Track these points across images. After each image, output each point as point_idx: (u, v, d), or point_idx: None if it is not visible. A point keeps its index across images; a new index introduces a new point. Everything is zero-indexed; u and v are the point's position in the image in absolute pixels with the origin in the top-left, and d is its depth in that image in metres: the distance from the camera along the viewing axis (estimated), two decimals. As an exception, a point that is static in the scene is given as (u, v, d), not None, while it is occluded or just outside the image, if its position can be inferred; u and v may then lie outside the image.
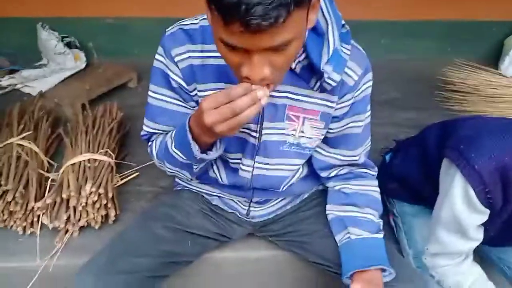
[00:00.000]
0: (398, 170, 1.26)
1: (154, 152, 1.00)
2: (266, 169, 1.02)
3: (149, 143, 1.04)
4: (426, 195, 1.14)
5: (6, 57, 2.28)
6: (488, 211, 0.94)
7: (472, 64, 2.17)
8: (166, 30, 0.92)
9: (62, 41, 2.18)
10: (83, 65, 2.22)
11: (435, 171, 1.06)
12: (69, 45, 2.21)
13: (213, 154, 0.88)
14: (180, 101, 0.97)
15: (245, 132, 0.96)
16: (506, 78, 2.15)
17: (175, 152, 0.90)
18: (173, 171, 0.99)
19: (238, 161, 1.02)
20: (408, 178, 1.22)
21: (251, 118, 0.74)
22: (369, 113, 1.03)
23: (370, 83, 0.98)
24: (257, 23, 0.61)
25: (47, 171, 1.47)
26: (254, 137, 0.96)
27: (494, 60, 2.48)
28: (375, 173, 1.13)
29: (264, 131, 0.96)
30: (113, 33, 2.38)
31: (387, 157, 1.35)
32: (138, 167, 1.56)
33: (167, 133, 0.97)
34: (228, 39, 0.67)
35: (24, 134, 1.47)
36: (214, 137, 0.83)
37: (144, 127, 1.03)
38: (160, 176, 1.50)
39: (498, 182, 0.89)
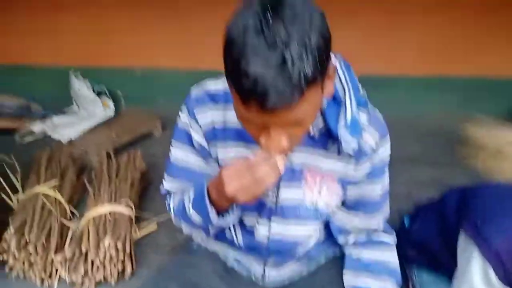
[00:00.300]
0: (417, 236, 1.23)
1: (172, 210, 1.01)
2: (283, 233, 1.02)
3: (168, 199, 1.05)
4: (444, 262, 1.11)
5: (40, 103, 2.40)
6: None
7: (493, 121, 2.15)
8: (191, 89, 0.95)
9: (93, 89, 2.29)
10: (112, 113, 2.31)
11: (454, 239, 1.04)
12: (99, 93, 2.32)
13: (229, 218, 0.89)
14: (201, 159, 0.99)
15: (264, 194, 0.97)
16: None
17: (192, 214, 0.91)
18: (189, 230, 0.99)
19: (255, 223, 1.02)
20: (427, 245, 1.19)
21: (271, 185, 0.76)
22: (387, 179, 1.03)
23: (388, 149, 0.98)
24: (272, 105, 0.64)
25: (70, 219, 1.50)
26: (271, 200, 0.97)
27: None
28: (395, 240, 1.11)
29: (281, 194, 0.96)
30: (141, 83, 2.48)
31: (406, 221, 1.32)
32: (157, 220, 1.58)
33: (185, 192, 0.99)
34: (246, 115, 0.70)
35: (50, 183, 1.52)
36: (231, 201, 0.84)
37: (164, 183, 1.05)
38: (178, 229, 1.51)
39: None
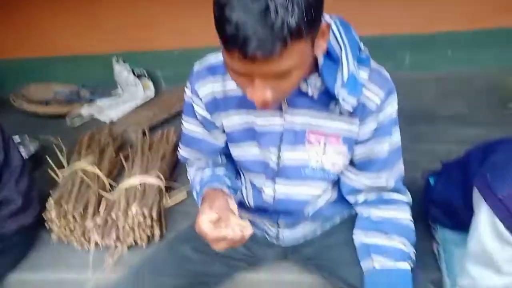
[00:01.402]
0: (440, 195, 1.18)
1: (190, 180, 1.09)
2: (288, 192, 1.03)
3: (188, 168, 1.11)
4: (467, 221, 1.04)
5: (90, 89, 2.58)
6: None
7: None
8: (194, 65, 0.98)
9: (133, 72, 2.41)
10: (152, 94, 2.43)
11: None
12: (139, 75, 2.44)
13: None
14: (206, 131, 1.03)
15: (267, 156, 0.98)
16: None
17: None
18: None
19: (262, 183, 1.04)
20: (450, 204, 1.13)
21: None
22: (396, 136, 0.99)
23: (395, 105, 0.94)
24: (253, 53, 0.65)
25: (109, 191, 1.62)
26: (274, 161, 0.98)
27: None
28: (408, 199, 1.07)
29: (283, 155, 0.97)
30: (179, 63, 2.56)
31: (431, 181, 1.26)
32: (187, 190, 1.64)
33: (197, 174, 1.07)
34: (231, 65, 0.72)
35: (88, 160, 1.64)
36: None
37: (180, 151, 1.12)
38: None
39: None
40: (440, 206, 1.17)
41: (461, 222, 1.10)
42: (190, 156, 1.10)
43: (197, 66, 0.97)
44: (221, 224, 0.84)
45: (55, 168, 1.70)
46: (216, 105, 0.96)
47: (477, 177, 0.89)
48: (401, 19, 2.31)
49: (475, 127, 1.90)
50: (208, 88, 0.95)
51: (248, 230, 0.84)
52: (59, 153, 1.81)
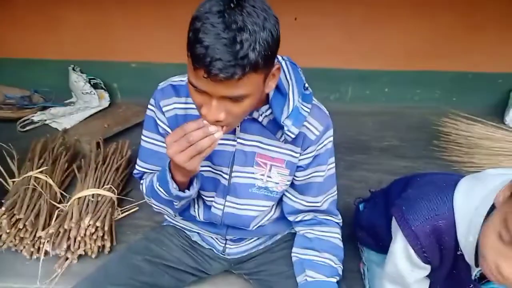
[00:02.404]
0: (366, 219, 1.35)
1: (144, 189, 1.15)
2: (236, 208, 1.15)
3: (141, 181, 1.19)
4: (389, 245, 1.22)
5: (42, 94, 2.57)
6: (428, 267, 1.01)
7: (470, 116, 2.22)
8: (159, 85, 1.09)
9: (89, 82, 2.44)
10: (107, 104, 2.46)
11: None
12: (95, 86, 2.47)
13: (188, 192, 1.02)
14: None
15: (218, 174, 1.10)
16: (507, 131, 2.17)
17: (159, 189, 1.05)
18: (158, 207, 1.13)
19: (212, 199, 1.15)
20: (374, 227, 1.30)
21: (208, 151, 0.89)
22: (331, 165, 1.15)
23: (331, 138, 1.10)
24: (216, 74, 0.76)
25: (60, 202, 1.65)
26: (225, 178, 1.10)
27: (500, 111, 2.53)
28: (339, 221, 1.23)
29: (234, 174, 1.09)
30: (136, 76, 2.62)
31: (361, 207, 1.43)
32: (138, 203, 1.72)
33: (155, 173, 1.12)
34: (195, 82, 0.82)
35: (41, 169, 1.67)
36: (184, 173, 0.96)
37: (137, 166, 1.19)
38: (156, 212, 1.65)
39: (434, 243, 0.96)
40: (367, 230, 1.34)
41: (384, 245, 1.28)
42: (147, 170, 1.17)
43: (162, 84, 1.08)
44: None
45: (6, 176, 1.70)
46: (177, 122, 1.07)
47: (394, 208, 1.05)
48: (347, 55, 2.54)
49: (404, 159, 2.14)
50: (172, 105, 1.06)
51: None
52: (9, 160, 1.81)
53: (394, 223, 1.09)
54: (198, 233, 1.29)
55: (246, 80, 0.79)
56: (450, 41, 2.49)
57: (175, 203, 1.06)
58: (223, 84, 0.78)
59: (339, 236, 1.21)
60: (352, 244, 1.46)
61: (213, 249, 1.29)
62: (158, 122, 1.09)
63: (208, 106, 0.85)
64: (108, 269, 1.17)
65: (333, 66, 2.57)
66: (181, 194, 1.00)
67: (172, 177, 0.99)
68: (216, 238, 1.27)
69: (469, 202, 0.92)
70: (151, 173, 1.16)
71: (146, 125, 1.13)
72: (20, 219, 1.44)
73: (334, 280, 1.13)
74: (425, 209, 0.97)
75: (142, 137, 1.15)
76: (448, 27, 2.45)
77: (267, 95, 0.99)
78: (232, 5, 0.76)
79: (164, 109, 1.06)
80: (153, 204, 1.13)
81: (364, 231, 1.35)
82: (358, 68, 2.59)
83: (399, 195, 1.19)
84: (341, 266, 1.17)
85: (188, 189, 1.02)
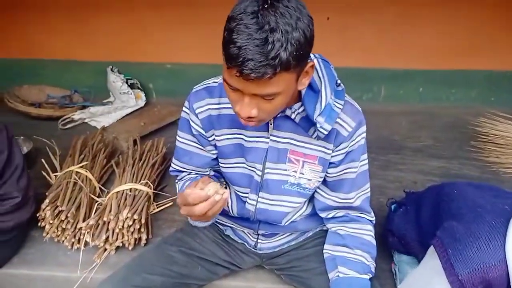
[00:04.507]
0: (397, 226, 1.33)
1: (177, 191, 1.20)
2: (268, 204, 1.17)
3: (176, 181, 1.24)
4: (418, 253, 1.20)
5: (82, 94, 2.68)
6: None
7: (508, 116, 2.16)
8: (194, 87, 1.12)
9: (127, 82, 2.53)
10: (143, 104, 2.54)
11: (428, 238, 1.09)
12: (132, 86, 2.55)
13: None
14: (199, 145, 1.16)
15: (252, 170, 1.12)
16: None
17: None
18: None
19: (247, 195, 1.18)
20: (405, 237, 1.28)
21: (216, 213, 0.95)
22: (364, 161, 1.15)
23: (364, 135, 1.10)
24: (247, 73, 0.79)
25: (98, 196, 1.72)
26: (258, 175, 1.12)
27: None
28: (372, 218, 1.22)
29: (266, 170, 1.11)
30: (170, 77, 2.69)
31: (393, 207, 1.42)
32: (172, 198, 1.76)
33: (185, 181, 1.17)
34: (228, 80, 0.86)
35: (82, 164, 1.74)
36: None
37: (172, 165, 1.24)
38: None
39: None
40: (398, 237, 1.33)
41: (414, 253, 1.27)
42: (182, 168, 1.22)
43: (197, 87, 1.11)
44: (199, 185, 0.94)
45: (49, 170, 1.79)
46: (211, 122, 1.10)
47: (437, 241, 0.99)
48: (380, 55, 2.52)
49: (438, 159, 2.10)
50: (205, 106, 1.09)
51: (224, 191, 0.93)
52: (52, 156, 1.91)
53: (433, 253, 1.03)
54: (231, 227, 1.32)
55: (277, 79, 0.81)
56: (487, 39, 2.42)
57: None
58: (255, 83, 0.81)
59: (372, 234, 1.20)
60: (384, 244, 1.45)
61: (245, 243, 1.31)
62: (192, 124, 1.12)
63: (241, 103, 0.88)
64: (144, 258, 1.22)
65: (366, 66, 2.56)
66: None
67: None
68: (248, 233, 1.29)
69: None
70: (186, 172, 1.21)
71: (180, 126, 1.18)
72: (62, 211, 1.51)
73: (367, 277, 1.13)
74: (475, 259, 0.90)
75: (177, 137, 1.19)
76: (484, 24, 2.39)
77: (299, 92, 1.01)
78: (266, 5, 0.78)
79: (197, 111, 1.10)
80: None
81: (396, 237, 1.33)
82: (391, 67, 2.56)
83: (432, 210, 1.17)
84: (374, 264, 1.16)
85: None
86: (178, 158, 1.21)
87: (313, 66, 0.91)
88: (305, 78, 0.91)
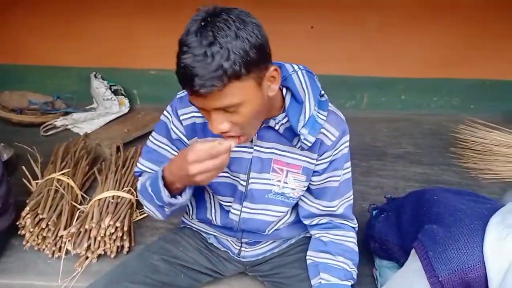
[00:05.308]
0: (378, 232, 1.34)
1: (138, 188, 1.15)
2: (252, 213, 1.17)
3: (139, 179, 1.19)
4: (399, 257, 1.22)
5: (64, 100, 2.65)
6: None
7: (487, 123, 2.21)
8: (178, 93, 1.12)
9: (110, 88, 2.51)
10: (127, 110, 2.53)
11: (409, 243, 1.11)
12: (116, 92, 2.54)
13: (181, 200, 1.02)
14: (175, 151, 1.15)
15: (236, 180, 1.13)
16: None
17: (151, 194, 1.05)
18: (149, 209, 1.12)
19: (230, 204, 1.18)
20: (387, 243, 1.30)
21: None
22: (347, 170, 1.16)
23: (347, 144, 1.12)
24: (197, 89, 0.80)
25: (80, 204, 1.70)
26: (242, 185, 1.12)
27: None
28: (354, 225, 1.24)
29: (251, 180, 1.12)
30: (155, 83, 2.69)
31: (374, 213, 1.43)
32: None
33: (150, 175, 1.12)
34: (192, 101, 0.87)
35: (64, 171, 1.72)
36: (190, 184, 0.99)
37: (138, 164, 1.20)
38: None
39: None
40: (379, 243, 1.34)
41: (395, 258, 1.28)
42: (149, 169, 1.17)
43: (181, 93, 1.11)
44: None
45: (30, 177, 1.77)
46: (194, 130, 1.09)
47: (418, 244, 1.01)
48: (363, 63, 2.56)
49: (419, 166, 2.14)
50: (190, 114, 1.08)
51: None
52: (33, 163, 1.88)
53: (415, 256, 1.04)
54: (214, 235, 1.31)
55: (230, 89, 0.81)
56: (467, 50, 2.49)
57: (166, 209, 1.07)
58: (210, 97, 0.81)
59: (354, 241, 1.21)
60: (366, 249, 1.47)
61: (229, 251, 1.31)
62: (173, 128, 1.11)
63: (209, 120, 0.88)
64: (126, 267, 1.21)
65: (349, 74, 2.59)
66: (173, 201, 1.01)
67: (165, 184, 0.99)
68: (232, 241, 1.29)
69: (502, 255, 0.87)
70: (149, 173, 1.17)
71: (157, 128, 1.16)
72: (43, 218, 1.49)
73: (349, 283, 1.14)
74: (454, 260, 0.92)
75: (150, 137, 1.17)
76: (465, 36, 2.45)
77: (283, 104, 1.01)
78: (204, 23, 0.80)
79: (181, 117, 1.09)
80: (144, 205, 1.12)
81: (377, 243, 1.35)
82: (374, 75, 2.60)
83: (413, 217, 1.19)
84: (356, 270, 1.18)
85: (181, 195, 1.03)
86: (147, 158, 1.17)
87: (277, 70, 0.91)
88: (273, 83, 0.91)
